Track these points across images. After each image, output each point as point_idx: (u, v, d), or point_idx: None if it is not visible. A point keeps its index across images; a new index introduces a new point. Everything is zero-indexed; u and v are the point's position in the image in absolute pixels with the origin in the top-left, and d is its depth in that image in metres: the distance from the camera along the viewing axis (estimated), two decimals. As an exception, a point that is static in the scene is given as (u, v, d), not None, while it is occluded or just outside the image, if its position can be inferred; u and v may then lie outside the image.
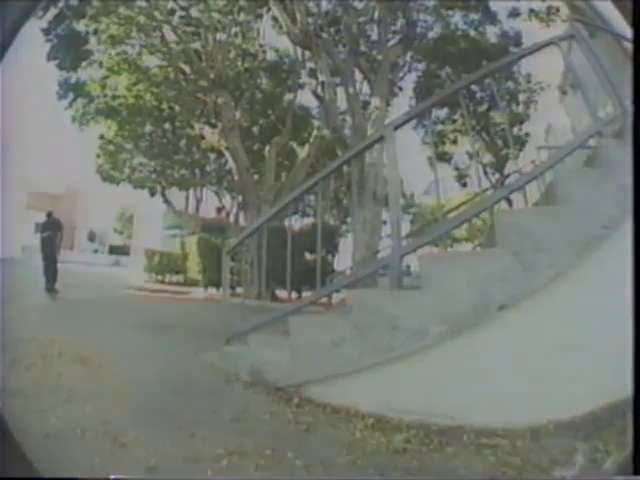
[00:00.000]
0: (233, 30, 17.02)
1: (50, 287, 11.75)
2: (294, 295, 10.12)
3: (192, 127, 18.79)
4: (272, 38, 18.27)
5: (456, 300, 4.64)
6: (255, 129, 19.49)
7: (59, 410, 4.22)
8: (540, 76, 18.38)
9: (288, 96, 19.30)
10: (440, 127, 19.45)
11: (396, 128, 5.69)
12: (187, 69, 16.84)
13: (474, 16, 17.57)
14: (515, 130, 18.24)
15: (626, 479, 2.96)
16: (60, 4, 16.29)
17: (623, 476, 3.02)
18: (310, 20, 15.28)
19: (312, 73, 16.49)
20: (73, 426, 3.90)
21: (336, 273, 16.10)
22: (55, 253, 12.14)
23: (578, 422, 4.09)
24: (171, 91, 17.64)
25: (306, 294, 8.39)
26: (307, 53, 16.35)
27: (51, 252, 12.07)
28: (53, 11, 16.29)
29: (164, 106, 18.46)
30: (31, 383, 4.82)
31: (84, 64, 17.41)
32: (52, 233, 12.28)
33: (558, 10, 14.88)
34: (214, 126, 17.15)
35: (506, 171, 18.85)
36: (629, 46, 3.65)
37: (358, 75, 16.13)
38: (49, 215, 12.61)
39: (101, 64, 17.11)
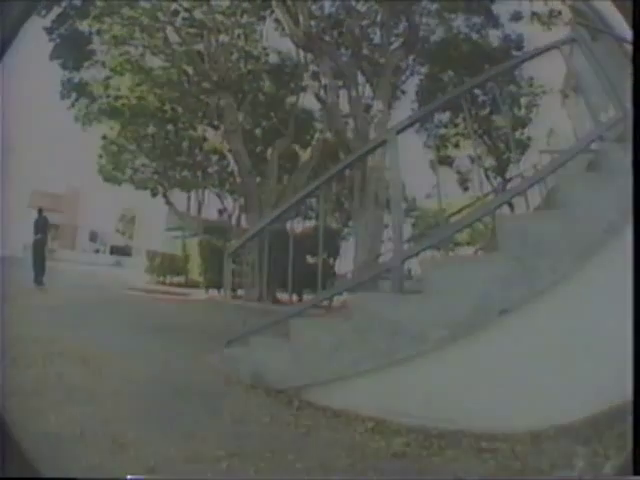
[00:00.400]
0: (236, 32, 17.04)
1: (39, 280, 12.52)
2: (295, 298, 10.14)
3: (194, 129, 18.82)
4: (275, 40, 18.28)
5: (457, 304, 4.65)
6: (257, 131, 19.50)
7: (57, 410, 4.22)
8: (542, 80, 18.39)
9: (290, 99, 19.31)
10: (442, 131, 19.45)
11: (398, 132, 5.70)
12: (190, 71, 16.86)
13: (476, 19, 17.56)
14: (517, 134, 18.23)
15: (626, 479, 2.96)
16: (63, 4, 16.33)
17: (623, 476, 3.02)
18: (313, 23, 15.29)
19: (315, 76, 16.48)
20: (73, 426, 3.91)
21: (337, 276, 16.11)
22: (44, 249, 13.04)
23: (578, 426, 4.09)
24: (174, 92, 17.66)
25: (307, 297, 8.40)
26: (310, 56, 16.36)
27: (40, 248, 12.89)
28: (56, 10, 16.32)
29: (167, 107, 18.48)
30: (31, 383, 4.82)
31: (87, 64, 17.44)
32: (41, 230, 13.14)
33: (560, 13, 14.87)
34: (216, 128, 17.17)
35: (508, 175, 18.85)
36: (630, 49, 3.65)
37: (360, 78, 16.14)
38: (39, 212, 13.35)
39: (104, 64, 17.15)
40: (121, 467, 3.42)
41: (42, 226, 13.16)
